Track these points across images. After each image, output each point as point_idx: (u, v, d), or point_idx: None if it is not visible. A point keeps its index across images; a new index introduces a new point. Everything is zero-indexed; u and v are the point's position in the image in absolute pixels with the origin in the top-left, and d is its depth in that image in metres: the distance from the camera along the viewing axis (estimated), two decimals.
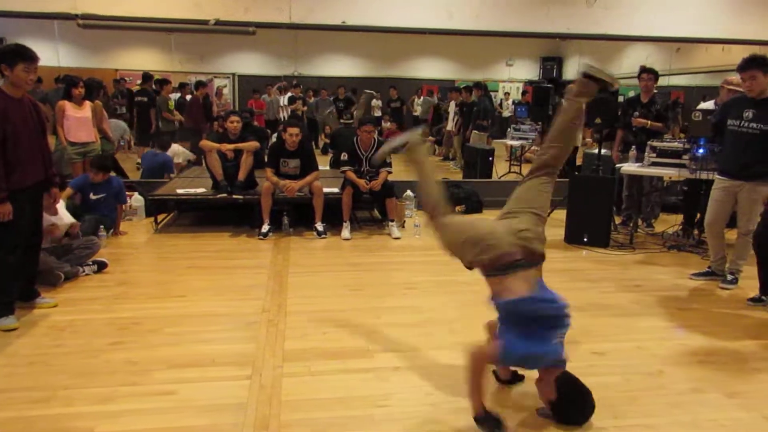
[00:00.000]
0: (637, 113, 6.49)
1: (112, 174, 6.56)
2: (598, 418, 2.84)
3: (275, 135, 10.80)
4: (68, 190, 5.83)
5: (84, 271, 4.86)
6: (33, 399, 2.96)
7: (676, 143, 5.87)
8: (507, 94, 18.05)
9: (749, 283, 4.74)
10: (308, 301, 4.41)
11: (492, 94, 14.27)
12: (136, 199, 6.99)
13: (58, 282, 4.61)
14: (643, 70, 6.57)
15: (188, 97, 11.64)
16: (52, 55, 10.07)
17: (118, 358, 3.43)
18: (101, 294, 4.50)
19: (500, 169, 10.17)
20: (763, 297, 4.48)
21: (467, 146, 10.41)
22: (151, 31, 9.01)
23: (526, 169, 10.35)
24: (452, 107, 12.25)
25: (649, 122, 6.37)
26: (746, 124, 4.60)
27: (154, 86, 10.78)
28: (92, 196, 6.00)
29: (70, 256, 4.87)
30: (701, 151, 5.47)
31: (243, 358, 3.43)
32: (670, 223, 6.71)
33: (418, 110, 15.43)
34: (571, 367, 3.37)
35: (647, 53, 11.62)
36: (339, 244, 6.10)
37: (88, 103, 6.92)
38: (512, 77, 17.84)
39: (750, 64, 4.51)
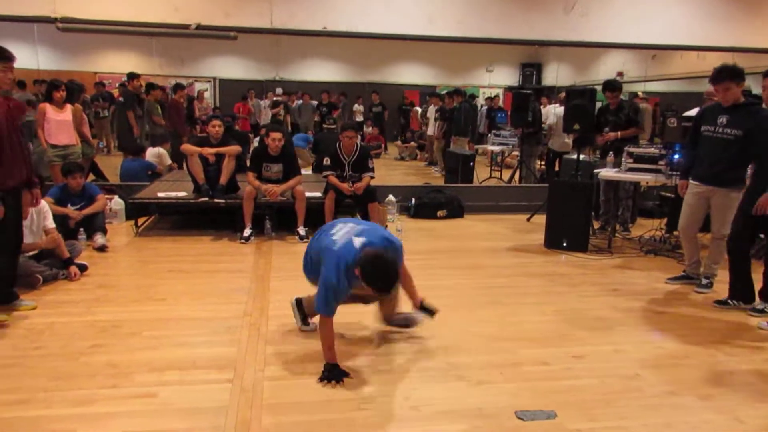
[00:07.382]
0: (608, 129, 6.63)
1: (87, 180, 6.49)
2: (574, 421, 2.89)
3: (257, 139, 10.76)
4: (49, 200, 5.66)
5: (63, 274, 4.82)
6: (11, 401, 2.94)
7: (652, 149, 5.97)
8: (489, 99, 18.14)
9: (724, 287, 4.82)
10: (291, 306, 4.41)
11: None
12: (116, 203, 6.94)
13: (37, 284, 4.58)
14: (605, 87, 6.70)
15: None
16: (32, 58, 9.96)
17: (98, 360, 3.42)
18: (81, 297, 4.48)
19: (481, 174, 10.26)
20: (730, 301, 4.58)
21: (449, 151, 10.49)
22: (131, 35, 8.94)
23: (506, 174, 10.51)
24: (431, 112, 12.32)
25: (619, 133, 6.49)
26: (720, 130, 4.65)
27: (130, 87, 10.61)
28: (71, 207, 5.83)
29: (49, 259, 4.84)
30: (676, 156, 5.57)
31: (224, 362, 3.44)
32: (647, 227, 6.82)
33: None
34: (549, 370, 3.46)
35: (624, 60, 11.77)
36: None
37: (69, 106, 6.87)
38: (492, 83, 17.96)
39: (723, 76, 4.52)
